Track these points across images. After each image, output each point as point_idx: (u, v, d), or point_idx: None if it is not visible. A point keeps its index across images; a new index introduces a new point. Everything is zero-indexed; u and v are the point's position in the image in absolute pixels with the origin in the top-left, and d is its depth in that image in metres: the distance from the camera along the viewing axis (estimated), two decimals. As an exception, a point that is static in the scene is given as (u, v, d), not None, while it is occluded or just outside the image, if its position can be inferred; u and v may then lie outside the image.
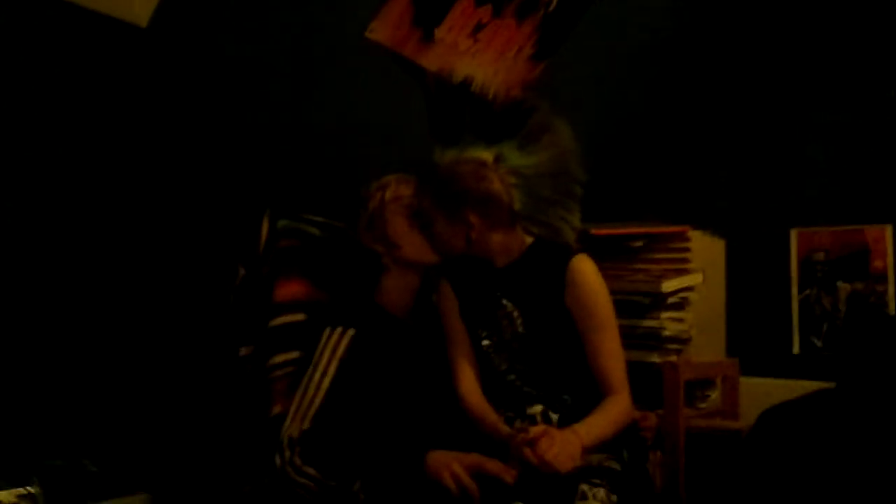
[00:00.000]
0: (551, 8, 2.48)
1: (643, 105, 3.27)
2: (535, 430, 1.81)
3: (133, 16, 1.90)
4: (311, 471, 1.91)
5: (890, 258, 2.90)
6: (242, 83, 2.19)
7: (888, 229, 2.93)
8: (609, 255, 2.51)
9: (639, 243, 2.65)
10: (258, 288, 2.15)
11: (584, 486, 1.82)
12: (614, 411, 1.92)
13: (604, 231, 2.56)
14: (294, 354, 2.09)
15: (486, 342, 2.04)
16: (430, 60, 2.40)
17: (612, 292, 2.01)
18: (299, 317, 2.12)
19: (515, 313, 2.00)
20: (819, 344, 3.07)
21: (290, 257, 2.17)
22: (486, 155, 1.97)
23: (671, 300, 2.55)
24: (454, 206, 1.96)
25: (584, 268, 1.97)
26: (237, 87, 2.19)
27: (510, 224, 1.98)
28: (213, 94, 2.15)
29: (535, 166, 1.96)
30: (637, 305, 2.51)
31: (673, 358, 2.54)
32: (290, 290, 2.15)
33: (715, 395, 2.73)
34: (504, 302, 2.01)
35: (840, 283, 3.03)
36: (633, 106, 3.24)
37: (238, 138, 2.21)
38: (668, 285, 2.52)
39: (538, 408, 1.99)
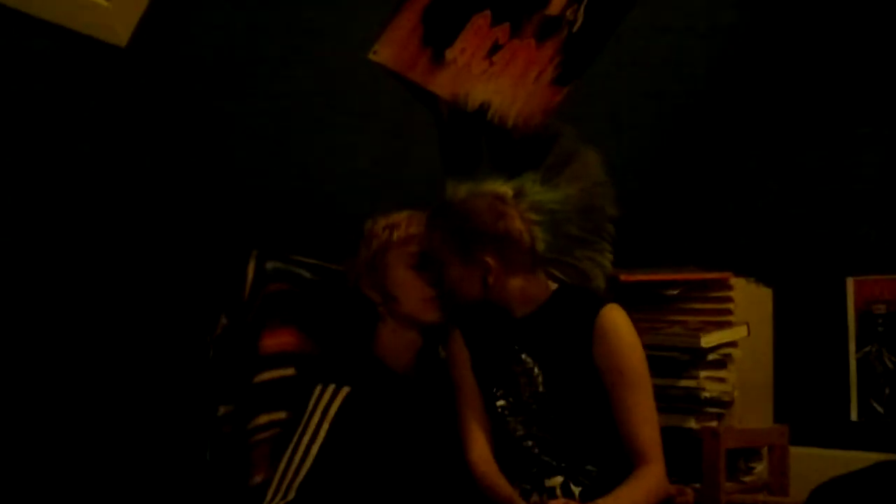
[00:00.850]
0: (576, 28, 2.46)
1: (680, 137, 3.25)
2: (555, 504, 1.72)
3: (114, 36, 1.93)
4: None
5: (960, 310, 2.89)
6: (226, 110, 2.20)
7: (958, 277, 2.93)
8: (641, 305, 2.46)
9: (675, 291, 2.61)
10: (242, 339, 2.13)
11: None
12: (646, 484, 1.88)
13: (635, 277, 2.51)
14: (280, 415, 2.06)
15: (500, 402, 2.01)
16: (441, 84, 2.38)
17: (645, 347, 1.98)
18: (288, 371, 2.10)
19: (536, 370, 1.98)
20: (880, 409, 3.04)
21: (279, 304, 2.15)
22: (505, 189, 1.96)
23: (711, 357, 2.51)
24: (468, 247, 1.93)
25: (616, 319, 1.94)
26: (220, 112, 2.20)
27: (531, 267, 1.96)
28: (195, 118, 2.16)
29: (561, 201, 1.96)
30: (672, 362, 2.45)
31: (713, 424, 2.51)
32: (278, 341, 2.13)
33: (761, 467, 2.69)
34: (523, 357, 1.99)
35: (904, 339, 2.95)
36: (669, 138, 3.22)
37: (222, 170, 2.22)
38: (709, 340, 2.47)
39: (558, 479, 1.97)
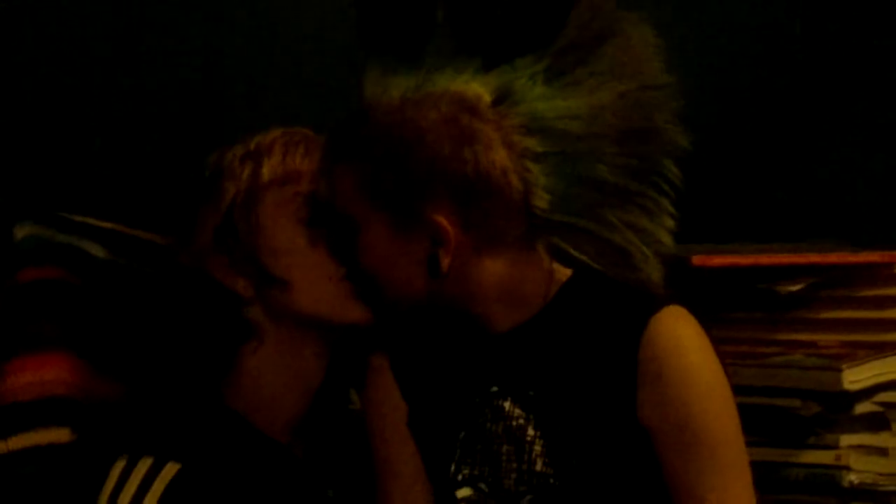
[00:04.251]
0: None
1: (798, 24, 3.14)
2: None
3: None
4: None
5: None
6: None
7: None
8: (729, 313, 2.40)
9: (794, 287, 2.40)
10: None
11: None
12: None
13: (718, 260, 2.36)
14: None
15: (464, 493, 1.86)
16: None
17: (736, 389, 1.83)
18: (58, 434, 1.98)
19: (530, 430, 1.81)
20: None
21: (40, 306, 2.04)
22: (479, 89, 1.81)
23: (862, 408, 2.32)
24: (404, 197, 1.78)
25: (679, 335, 1.80)
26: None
27: (523, 240, 1.81)
28: None
29: (582, 115, 1.81)
30: (789, 419, 2.29)
31: (864, 534, 2.42)
32: (37, 376, 2.00)
33: None
34: (506, 406, 1.83)
35: None
36: (779, 25, 3.11)
37: None
38: (856, 376, 2.27)
39: None
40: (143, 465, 1.81)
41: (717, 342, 1.82)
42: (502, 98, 1.78)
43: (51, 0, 2.41)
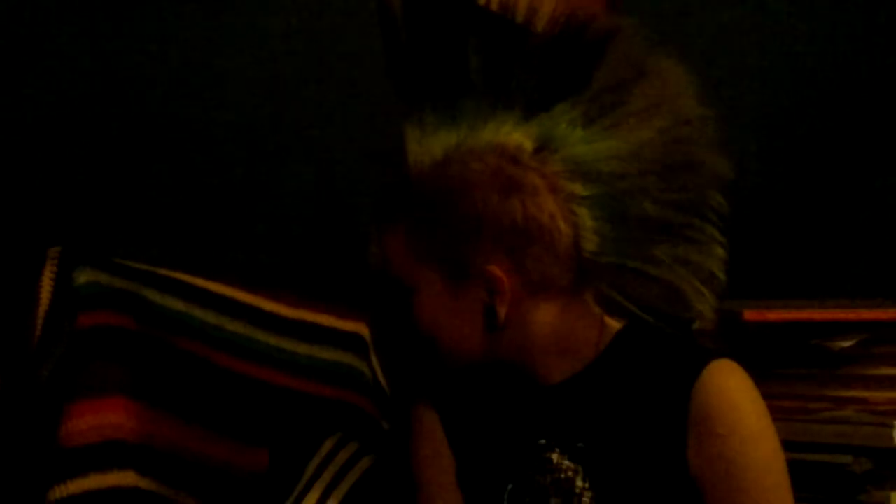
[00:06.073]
0: None
1: (848, 65, 3.08)
2: None
3: None
4: None
5: None
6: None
7: None
8: (781, 366, 2.33)
9: (846, 343, 2.34)
10: (27, 416, 2.06)
11: None
12: None
13: (771, 315, 2.34)
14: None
15: None
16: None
17: (787, 444, 1.78)
18: (118, 478, 2.01)
19: (578, 482, 1.79)
20: None
21: (98, 350, 2.04)
22: (520, 138, 1.80)
23: None
24: (457, 252, 1.77)
25: (731, 388, 1.77)
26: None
27: (574, 287, 1.79)
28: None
29: (624, 155, 1.80)
30: (840, 474, 2.21)
31: None
32: (96, 418, 2.02)
33: None
34: (554, 458, 1.81)
35: None
36: (824, 66, 3.04)
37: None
38: None
39: None
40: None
41: (768, 397, 1.80)
42: (544, 145, 1.79)
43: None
